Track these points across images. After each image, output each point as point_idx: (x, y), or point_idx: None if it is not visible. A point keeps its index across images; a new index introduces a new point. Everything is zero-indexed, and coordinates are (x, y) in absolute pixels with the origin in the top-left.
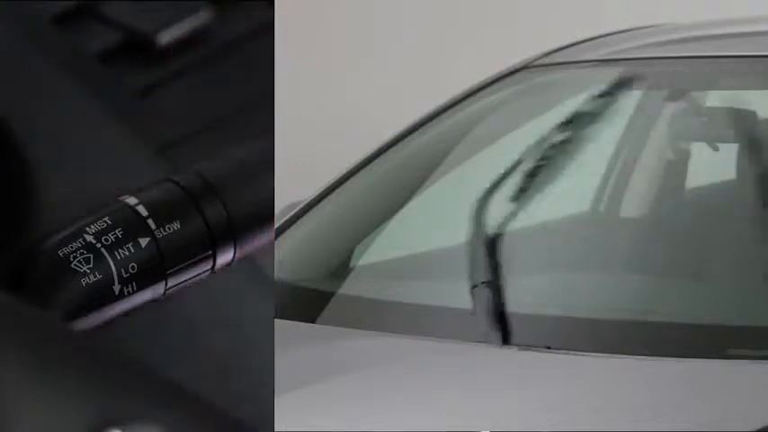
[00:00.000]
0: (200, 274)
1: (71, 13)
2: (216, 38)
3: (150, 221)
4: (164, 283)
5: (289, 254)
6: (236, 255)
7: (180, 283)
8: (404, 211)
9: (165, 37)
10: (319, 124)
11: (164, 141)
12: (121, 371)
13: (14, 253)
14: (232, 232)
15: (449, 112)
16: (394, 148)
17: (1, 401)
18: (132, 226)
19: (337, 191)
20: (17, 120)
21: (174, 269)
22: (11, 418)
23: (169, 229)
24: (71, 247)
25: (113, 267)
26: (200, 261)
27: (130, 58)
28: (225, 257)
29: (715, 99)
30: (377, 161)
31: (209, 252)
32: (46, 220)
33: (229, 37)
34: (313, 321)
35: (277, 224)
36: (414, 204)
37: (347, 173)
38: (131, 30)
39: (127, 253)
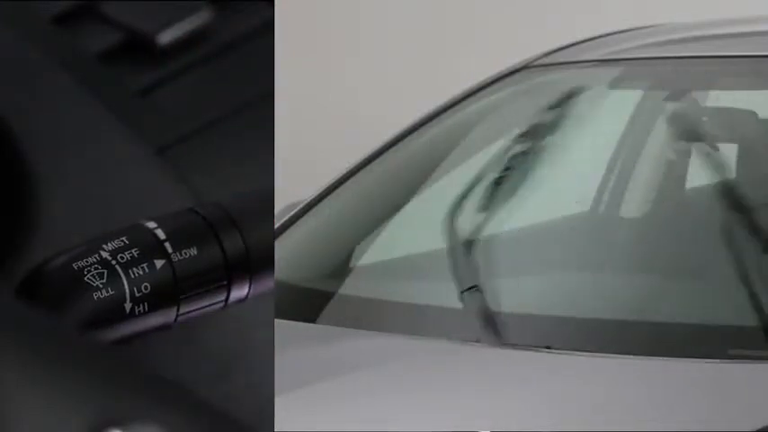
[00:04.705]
0: (212, 304)
1: (71, 13)
2: (216, 38)
3: (167, 244)
4: (175, 308)
5: (289, 254)
6: (251, 291)
7: (192, 311)
8: (404, 210)
9: (165, 37)
10: (319, 124)
11: (164, 141)
12: (121, 371)
13: (29, 263)
14: (249, 265)
15: (449, 112)
16: (394, 149)
17: (1, 401)
18: (149, 247)
19: (337, 191)
20: (17, 120)
21: (187, 295)
22: (11, 418)
23: (186, 254)
24: (86, 261)
25: (126, 285)
26: (214, 291)
27: (130, 58)
28: (240, 291)
29: (715, 99)
30: (377, 161)
31: (224, 282)
32: (45, 219)
33: (229, 37)
34: (313, 321)
35: (277, 224)
36: (414, 204)
37: (347, 173)
38: (131, 30)
39: (141, 272)
